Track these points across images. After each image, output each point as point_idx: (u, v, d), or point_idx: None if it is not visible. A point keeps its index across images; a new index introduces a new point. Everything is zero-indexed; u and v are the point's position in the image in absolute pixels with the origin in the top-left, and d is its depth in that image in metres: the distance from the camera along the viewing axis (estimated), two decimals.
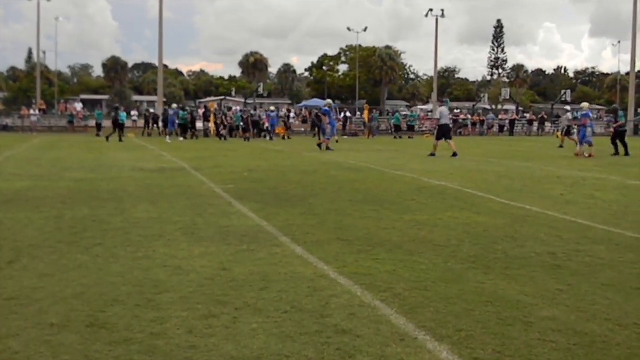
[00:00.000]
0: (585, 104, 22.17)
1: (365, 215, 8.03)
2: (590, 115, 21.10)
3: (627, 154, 20.84)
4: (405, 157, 19.62)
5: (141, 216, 7.86)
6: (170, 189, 10.69)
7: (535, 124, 47.85)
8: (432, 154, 19.82)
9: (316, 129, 32.53)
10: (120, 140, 28.86)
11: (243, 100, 55.93)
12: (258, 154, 21.18)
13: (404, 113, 48.97)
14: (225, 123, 33.65)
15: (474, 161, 18.18)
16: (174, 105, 34.16)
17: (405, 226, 7.31)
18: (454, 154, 19.41)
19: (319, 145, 22.99)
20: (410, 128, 38.84)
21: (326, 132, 23.82)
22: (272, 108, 36.63)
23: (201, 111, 41.57)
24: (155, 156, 19.42)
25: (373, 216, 7.99)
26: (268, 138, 33.21)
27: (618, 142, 21.31)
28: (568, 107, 29.58)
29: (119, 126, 29.57)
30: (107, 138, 28.91)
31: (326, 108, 24.33)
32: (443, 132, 20.33)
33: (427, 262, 5.54)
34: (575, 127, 22.91)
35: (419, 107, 76.52)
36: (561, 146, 25.28)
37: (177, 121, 31.56)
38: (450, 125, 21.04)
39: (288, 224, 7.36)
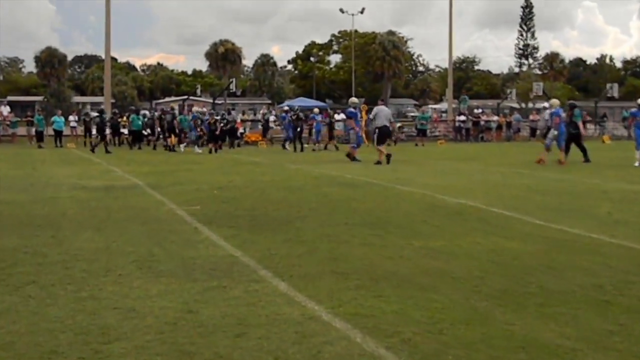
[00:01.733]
0: (554, 101, 22.57)
1: (365, 242, 8.05)
2: (561, 114, 21.56)
3: (586, 159, 21.42)
4: (414, 169, 19.68)
5: (85, 246, 7.83)
6: (121, 212, 10.66)
7: None
8: (379, 162, 21.00)
9: (298, 134, 32.05)
10: (107, 151, 29.49)
11: (211, 100, 56.00)
12: (230, 167, 21.18)
13: (412, 114, 49.17)
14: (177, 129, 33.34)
15: (499, 173, 18.27)
16: (195, 109, 33.79)
17: (416, 254, 7.32)
18: (378, 162, 20.89)
19: (349, 155, 22.66)
20: (421, 132, 39.02)
21: (351, 139, 23.71)
22: (286, 108, 36.23)
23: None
24: (101, 171, 19.39)
25: (375, 242, 8.01)
26: (299, 147, 32.43)
27: (574, 145, 21.91)
28: (546, 104, 29.68)
29: (91, 132, 30.60)
30: (93, 149, 29.69)
31: (351, 109, 24.13)
32: (384, 135, 21.57)
33: (444, 299, 5.55)
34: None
35: (430, 106, 76.84)
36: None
37: (196, 128, 31.15)
38: (390, 128, 22.34)
39: (269, 253, 7.36)
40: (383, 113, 21.88)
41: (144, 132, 34.78)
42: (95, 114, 41.91)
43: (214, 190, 13.72)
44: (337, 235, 8.52)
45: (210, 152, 29.25)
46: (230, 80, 53.70)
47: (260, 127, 42.96)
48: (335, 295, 5.65)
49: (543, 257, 7.17)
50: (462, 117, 45.09)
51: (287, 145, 32.09)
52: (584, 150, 21.80)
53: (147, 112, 41.70)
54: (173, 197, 12.70)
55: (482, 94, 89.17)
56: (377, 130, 21.69)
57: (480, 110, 48.92)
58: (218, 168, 20.52)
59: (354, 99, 24.92)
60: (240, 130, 36.69)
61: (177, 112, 36.28)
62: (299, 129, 31.58)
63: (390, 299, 5.54)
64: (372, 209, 11.05)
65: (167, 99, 75.89)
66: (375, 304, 5.40)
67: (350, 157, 22.55)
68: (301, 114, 32.30)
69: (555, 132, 21.19)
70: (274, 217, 10.07)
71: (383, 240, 8.14)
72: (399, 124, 44.61)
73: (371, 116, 22.53)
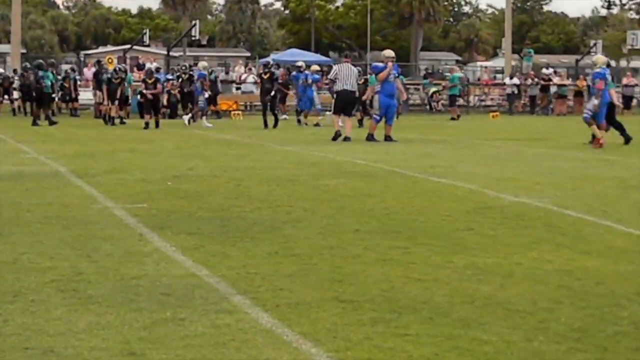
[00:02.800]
0: (598, 57, 22.28)
1: (384, 257, 8.05)
2: (607, 75, 21.44)
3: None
4: (455, 153, 19.67)
5: None
6: (35, 211, 10.66)
7: None
8: (346, 138, 22.29)
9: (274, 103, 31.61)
10: (51, 123, 29.73)
11: (164, 51, 56.01)
12: (191, 147, 21.18)
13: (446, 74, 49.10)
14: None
15: (578, 160, 18.25)
16: (202, 64, 33.61)
17: (457, 276, 7.32)
18: (346, 137, 22.28)
19: (388, 137, 22.47)
20: (452, 100, 39.05)
21: (374, 107, 23.64)
22: (316, 67, 34.92)
23: (89, 71, 41.52)
24: (7, 151, 19.40)
25: (398, 258, 8.01)
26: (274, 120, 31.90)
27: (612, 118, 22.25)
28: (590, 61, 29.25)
29: (38, 100, 30.95)
30: (35, 121, 30.15)
31: (379, 64, 23.34)
32: (343, 103, 22.38)
33: (496, 340, 5.55)
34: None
35: (480, 63, 76.80)
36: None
37: (205, 92, 31.40)
38: (356, 93, 23.04)
39: (246, 272, 7.36)
40: (346, 73, 22.57)
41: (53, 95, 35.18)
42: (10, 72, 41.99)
43: (167, 182, 13.72)
44: (343, 247, 8.52)
45: (146, 126, 28.52)
46: (193, 23, 53.64)
47: (235, 90, 42.97)
48: (341, 333, 5.65)
49: (639, 282, 7.18)
50: (516, 80, 44.89)
51: (301, 118, 32.15)
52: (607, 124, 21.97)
53: (68, 69, 41.71)
54: (109, 190, 12.70)
55: (554, 47, 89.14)
56: (336, 95, 22.77)
57: (550, 71, 48.84)
58: (174, 149, 20.51)
59: (388, 52, 23.81)
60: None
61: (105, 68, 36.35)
62: (273, 94, 30.96)
63: (420, 339, 5.54)
64: (394, 210, 11.04)
65: (101, 49, 75.76)
66: (398, 346, 5.40)
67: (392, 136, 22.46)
68: (277, 72, 32.12)
69: (596, 102, 21.09)
70: (254, 221, 10.07)
71: (410, 256, 8.14)
72: (434, 89, 44.61)
73: (331, 76, 23.08)
